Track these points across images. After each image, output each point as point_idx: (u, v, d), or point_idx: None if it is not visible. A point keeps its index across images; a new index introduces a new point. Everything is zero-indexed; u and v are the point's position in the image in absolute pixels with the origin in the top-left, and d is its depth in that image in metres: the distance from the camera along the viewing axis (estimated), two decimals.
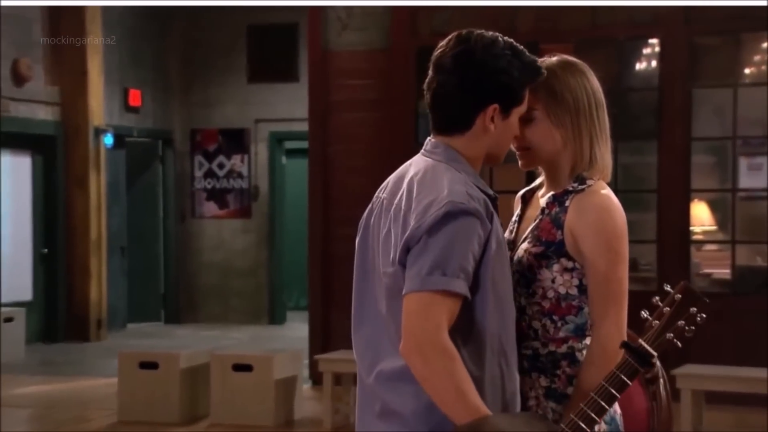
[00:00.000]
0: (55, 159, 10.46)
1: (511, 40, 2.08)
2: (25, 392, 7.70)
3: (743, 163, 7.30)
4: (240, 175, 11.94)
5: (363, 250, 2.12)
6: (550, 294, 2.11)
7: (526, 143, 2.14)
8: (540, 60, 2.13)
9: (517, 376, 2.08)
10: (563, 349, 2.11)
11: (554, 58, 2.16)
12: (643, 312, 2.00)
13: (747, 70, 7.33)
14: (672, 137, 7.09)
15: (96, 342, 10.41)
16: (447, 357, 1.91)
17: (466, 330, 1.98)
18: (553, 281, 2.11)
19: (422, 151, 2.12)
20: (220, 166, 12.00)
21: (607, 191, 2.14)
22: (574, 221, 2.10)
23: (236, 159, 11.96)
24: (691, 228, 7.23)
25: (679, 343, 1.98)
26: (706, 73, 7.33)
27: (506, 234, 2.21)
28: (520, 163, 2.19)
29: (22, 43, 10.01)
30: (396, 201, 2.05)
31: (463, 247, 1.95)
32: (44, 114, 10.33)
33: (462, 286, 1.95)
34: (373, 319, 2.08)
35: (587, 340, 2.12)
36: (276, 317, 11.91)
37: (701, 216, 7.60)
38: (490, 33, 2.08)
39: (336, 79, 7.78)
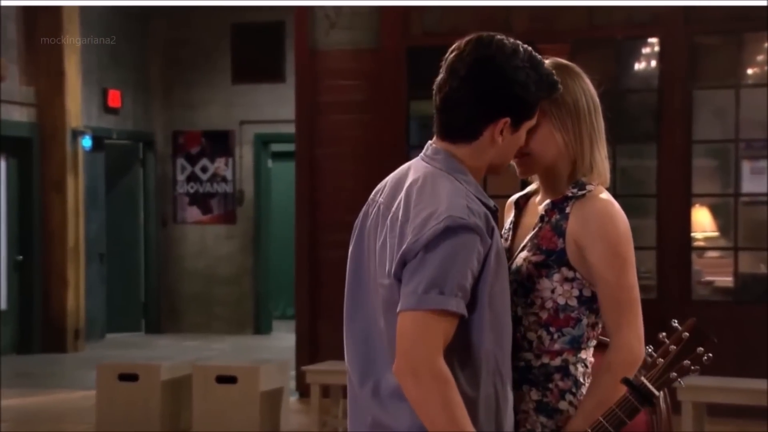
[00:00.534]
0: (31, 162, 10.43)
1: (531, 49, 2.07)
2: None
3: (746, 166, 7.32)
4: (224, 179, 11.94)
5: (357, 254, 2.11)
6: (549, 304, 2.12)
7: (525, 149, 2.14)
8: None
9: (512, 395, 2.08)
10: (557, 362, 2.12)
11: (547, 61, 2.16)
12: (648, 347, 2.01)
13: (749, 71, 7.36)
14: (672, 140, 7.11)
15: (73, 353, 10.37)
16: (441, 381, 1.92)
17: (461, 349, 1.98)
18: (552, 291, 2.12)
19: (422, 155, 2.11)
20: (204, 169, 11.99)
21: (608, 196, 2.15)
22: (577, 230, 2.10)
23: (220, 162, 11.95)
24: (692, 234, 7.26)
25: (682, 382, 1.99)
26: (707, 74, 7.36)
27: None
28: (518, 170, 2.19)
29: None
30: (393, 208, 2.04)
31: (462, 264, 1.94)
32: (19, 115, 10.30)
33: (459, 306, 1.94)
34: (367, 327, 2.08)
35: (582, 354, 2.13)
36: (261, 327, 11.90)
37: (702, 222, 7.63)
38: (512, 41, 2.06)
39: (324, 79, 7.79)
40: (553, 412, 2.11)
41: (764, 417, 6.13)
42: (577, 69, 2.19)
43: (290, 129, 8.41)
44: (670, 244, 7.06)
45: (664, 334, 2.00)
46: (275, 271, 12.07)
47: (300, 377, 7.37)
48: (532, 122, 2.09)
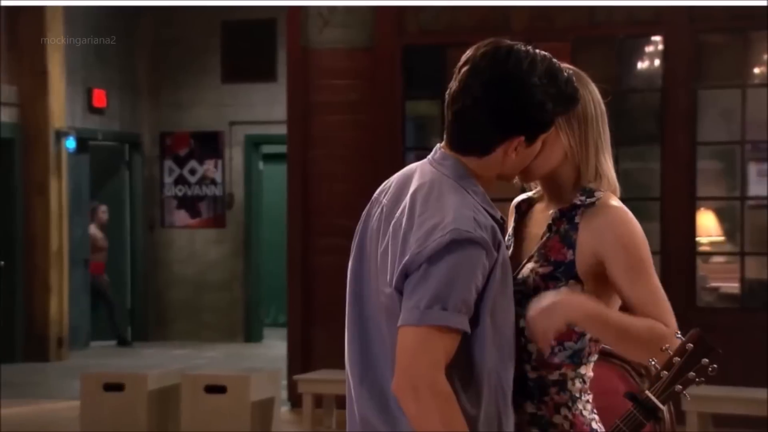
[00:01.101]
0: (13, 164, 10.42)
1: (549, 58, 2.05)
2: None
3: (752, 168, 7.34)
4: (213, 182, 11.93)
5: (360, 254, 2.10)
6: None
7: None
8: None
9: (512, 414, 2.08)
10: (555, 375, 2.12)
11: None
12: (651, 360, 2.02)
13: (756, 70, 7.38)
14: (676, 142, 7.12)
15: (57, 362, 10.35)
16: (441, 398, 1.92)
17: (463, 366, 1.98)
18: None
19: (430, 158, 2.10)
20: (192, 171, 11.99)
21: (618, 203, 2.15)
22: (593, 244, 2.10)
23: (209, 164, 11.94)
24: (697, 239, 7.27)
25: (687, 395, 2.00)
26: (712, 74, 7.37)
27: None
28: (518, 177, 2.18)
29: None
30: (397, 214, 2.03)
31: (466, 279, 1.94)
32: (1, 116, 10.30)
33: (463, 322, 1.94)
34: (369, 329, 2.07)
35: (582, 369, 2.14)
36: (252, 334, 11.89)
37: (708, 226, 7.64)
38: (531, 52, 2.04)
39: (317, 79, 7.79)
40: (547, 425, 2.11)
41: None
42: (586, 76, 2.19)
43: (282, 130, 8.41)
44: (674, 250, 7.07)
45: (667, 345, 2.01)
46: (266, 277, 12.06)
47: (292, 387, 7.37)
48: (549, 134, 2.09)
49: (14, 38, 10.30)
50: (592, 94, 2.17)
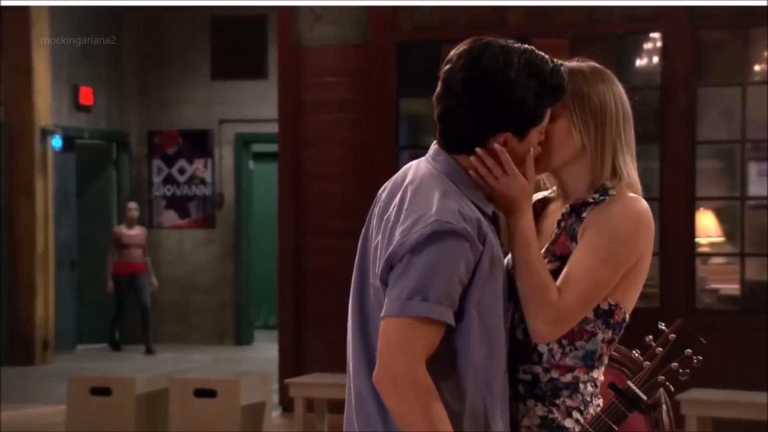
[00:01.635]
0: None
1: (530, 51, 2.06)
2: None
3: (753, 168, 7.36)
4: (203, 181, 11.93)
5: (363, 250, 2.14)
6: None
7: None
8: (568, 64, 2.14)
9: (507, 414, 2.08)
10: (567, 378, 2.12)
11: (584, 63, 2.18)
12: (634, 351, 2.03)
13: (756, 68, 7.40)
14: (675, 141, 7.14)
15: (42, 365, 10.34)
16: (422, 392, 1.94)
17: (447, 360, 2.00)
18: None
19: (426, 155, 2.14)
20: (181, 171, 11.98)
21: (634, 198, 2.13)
22: (586, 224, 2.11)
23: (198, 163, 11.94)
24: (697, 240, 7.29)
25: (672, 386, 2.01)
26: (713, 71, 7.39)
27: None
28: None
29: None
30: (390, 208, 2.08)
31: (449, 270, 1.96)
32: None
33: (444, 314, 1.96)
34: (367, 323, 2.10)
35: (594, 372, 2.13)
36: (242, 337, 11.89)
37: (707, 226, 7.66)
38: (507, 47, 2.05)
39: (308, 76, 7.79)
40: (558, 429, 2.11)
41: None
42: (612, 75, 2.20)
43: (273, 128, 8.41)
44: (674, 250, 7.09)
45: (650, 337, 2.03)
46: (257, 279, 12.06)
47: (283, 390, 7.37)
48: (543, 125, 2.10)
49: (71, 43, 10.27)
50: (615, 93, 2.17)
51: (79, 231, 11.43)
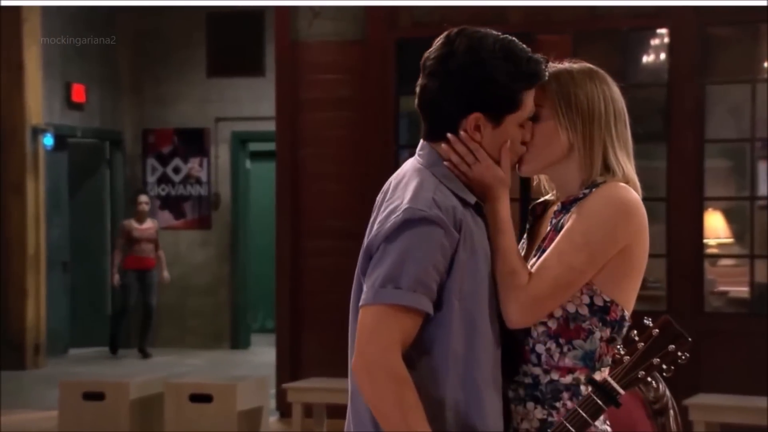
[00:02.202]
0: None
1: (509, 39, 2.12)
2: None
3: (762, 167, 7.36)
4: (198, 181, 11.93)
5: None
6: (558, 313, 2.13)
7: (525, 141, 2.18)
8: (558, 66, 2.18)
9: (495, 407, 2.09)
10: (567, 379, 2.13)
11: (576, 64, 2.21)
12: (618, 346, 2.04)
13: (766, 64, 7.40)
14: (682, 139, 7.14)
15: (33, 370, 10.34)
16: (395, 381, 1.97)
17: (425, 348, 2.04)
18: None
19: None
20: (176, 170, 11.98)
21: (622, 188, 2.17)
22: (571, 213, 2.14)
23: (194, 163, 11.94)
24: (705, 241, 7.28)
25: (653, 381, 2.01)
26: (721, 68, 7.39)
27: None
28: (517, 167, 2.22)
29: None
30: (381, 205, 2.15)
31: (421, 257, 2.00)
32: None
33: (419, 301, 2.00)
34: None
35: (596, 375, 2.13)
36: (239, 340, 11.88)
37: (716, 227, 7.66)
38: (482, 32, 2.12)
39: (306, 73, 7.80)
40: None
41: None
42: (605, 75, 2.23)
43: (270, 127, 8.42)
44: (681, 252, 7.09)
45: (635, 332, 2.04)
46: (254, 281, 12.06)
47: (281, 395, 7.37)
48: (522, 114, 2.13)
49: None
50: (605, 92, 2.20)
51: (72, 232, 11.43)
